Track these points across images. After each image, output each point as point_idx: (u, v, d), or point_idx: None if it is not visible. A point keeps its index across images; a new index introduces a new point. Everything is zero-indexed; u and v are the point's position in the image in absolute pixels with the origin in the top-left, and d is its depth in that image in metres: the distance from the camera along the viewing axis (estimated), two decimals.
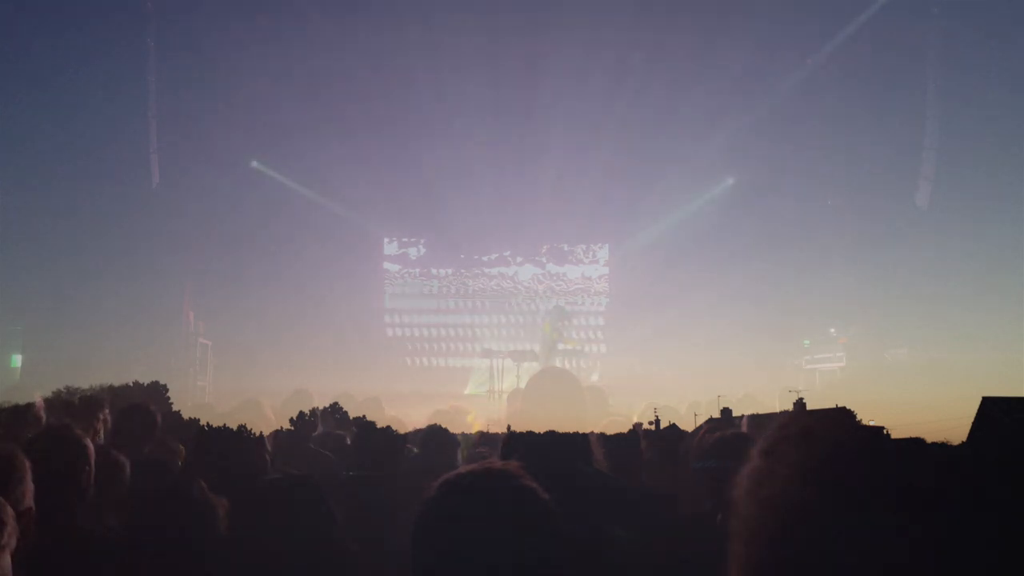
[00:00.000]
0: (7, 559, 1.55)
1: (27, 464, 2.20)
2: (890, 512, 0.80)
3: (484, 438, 6.19)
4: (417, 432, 5.58)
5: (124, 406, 4.84)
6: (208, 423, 3.89)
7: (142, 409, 4.69)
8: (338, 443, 5.90)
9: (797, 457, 0.86)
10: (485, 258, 23.31)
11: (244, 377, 19.72)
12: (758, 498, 0.86)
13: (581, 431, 3.31)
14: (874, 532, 0.79)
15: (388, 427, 4.26)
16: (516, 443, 2.93)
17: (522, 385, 19.19)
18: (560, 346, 21.22)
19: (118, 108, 20.98)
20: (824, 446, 0.88)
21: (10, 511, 1.63)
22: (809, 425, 0.92)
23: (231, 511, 2.69)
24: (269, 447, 3.87)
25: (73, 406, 4.65)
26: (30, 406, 4.08)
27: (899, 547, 0.78)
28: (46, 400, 4.69)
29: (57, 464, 2.72)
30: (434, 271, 23.30)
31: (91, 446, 2.94)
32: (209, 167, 20.74)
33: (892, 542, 0.79)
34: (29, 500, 2.10)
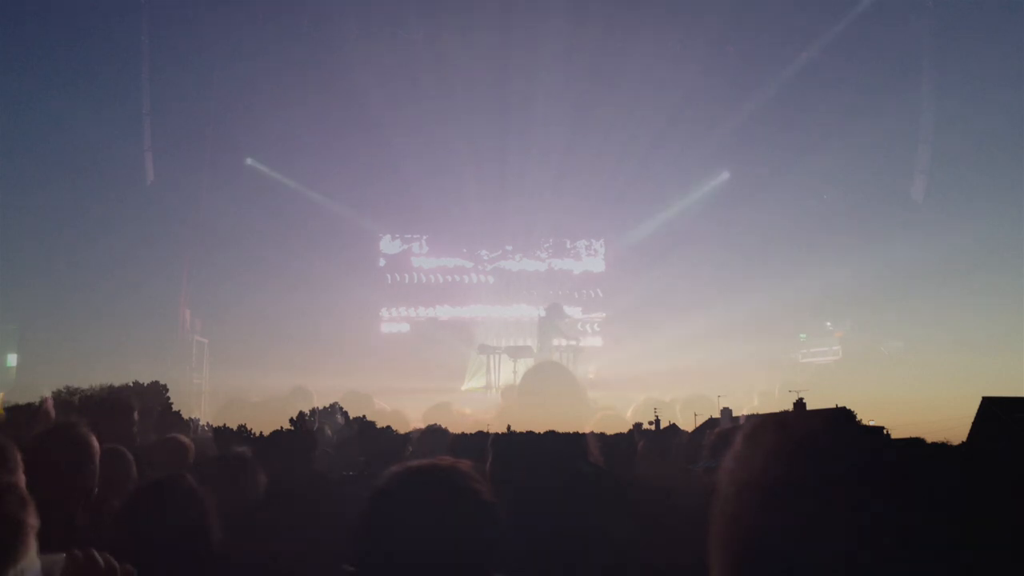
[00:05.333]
0: (33, 538, 1.56)
1: (19, 457, 2.22)
2: (860, 500, 0.82)
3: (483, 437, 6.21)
4: (416, 432, 5.61)
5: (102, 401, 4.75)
6: (243, 425, 3.89)
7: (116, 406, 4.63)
8: (328, 444, 5.93)
9: (771, 443, 0.89)
10: (485, 254, 23.30)
11: (240, 374, 19.71)
12: (737, 481, 0.89)
13: (576, 425, 3.34)
14: (844, 518, 0.81)
15: (388, 427, 4.28)
16: (505, 445, 2.95)
17: (518, 380, 19.22)
18: (556, 342, 21.24)
19: (112, 108, 20.95)
20: (796, 434, 0.90)
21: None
22: (786, 415, 0.95)
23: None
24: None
25: (71, 407, 4.63)
26: (40, 404, 4.07)
27: (871, 537, 0.80)
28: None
29: (61, 461, 2.72)
30: (432, 267, 23.29)
31: (96, 445, 2.93)
32: (204, 165, 20.71)
33: (862, 529, 0.80)
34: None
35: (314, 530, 2.77)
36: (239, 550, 2.60)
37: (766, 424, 0.91)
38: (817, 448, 0.85)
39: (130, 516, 2.70)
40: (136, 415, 4.59)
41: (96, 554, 1.69)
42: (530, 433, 3.02)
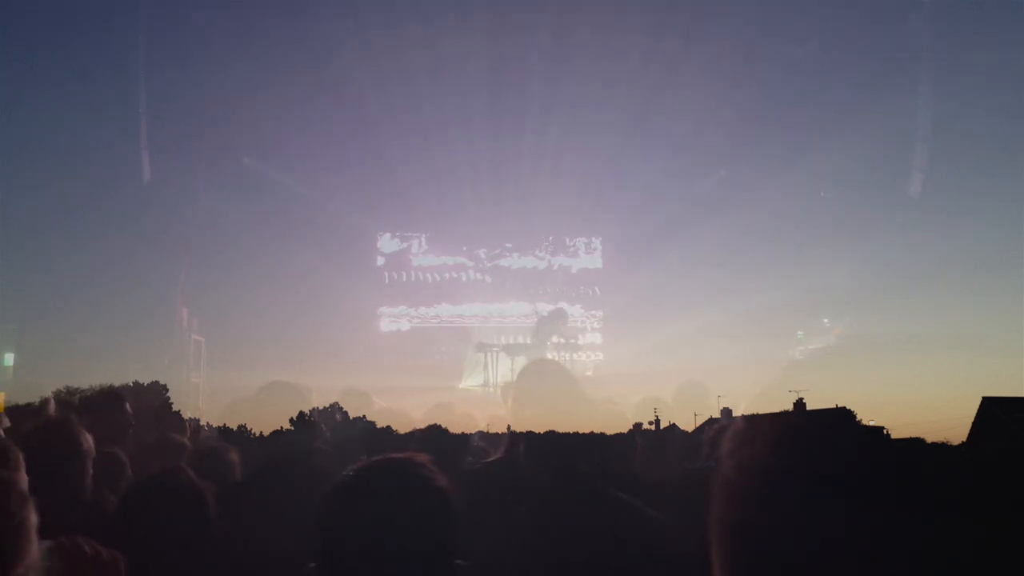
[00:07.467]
0: (35, 535, 1.57)
1: (20, 456, 2.23)
2: (860, 500, 0.83)
3: (483, 437, 6.23)
4: (418, 431, 5.61)
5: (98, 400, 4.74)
6: (243, 425, 3.88)
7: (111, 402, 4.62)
8: (326, 442, 5.92)
9: (771, 441, 0.90)
10: (484, 252, 23.29)
11: (239, 374, 19.73)
12: (737, 460, 0.90)
13: (576, 423, 3.37)
14: (843, 516, 0.82)
15: (388, 427, 4.29)
16: (519, 442, 2.97)
17: (515, 378, 19.22)
18: (554, 339, 21.25)
19: (109, 107, 20.97)
20: (796, 433, 0.91)
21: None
22: (786, 414, 0.97)
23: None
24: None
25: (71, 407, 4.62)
26: (40, 403, 4.07)
27: (871, 535, 0.81)
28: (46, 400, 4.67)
29: (53, 456, 2.73)
30: (431, 265, 23.27)
31: (90, 441, 2.94)
32: (201, 164, 20.72)
33: (861, 527, 0.81)
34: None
35: (297, 527, 2.78)
36: (226, 542, 2.61)
37: (766, 421, 0.93)
38: (816, 447, 0.86)
39: (129, 508, 2.72)
40: (129, 407, 4.57)
41: (82, 541, 1.71)
42: (530, 433, 3.04)
